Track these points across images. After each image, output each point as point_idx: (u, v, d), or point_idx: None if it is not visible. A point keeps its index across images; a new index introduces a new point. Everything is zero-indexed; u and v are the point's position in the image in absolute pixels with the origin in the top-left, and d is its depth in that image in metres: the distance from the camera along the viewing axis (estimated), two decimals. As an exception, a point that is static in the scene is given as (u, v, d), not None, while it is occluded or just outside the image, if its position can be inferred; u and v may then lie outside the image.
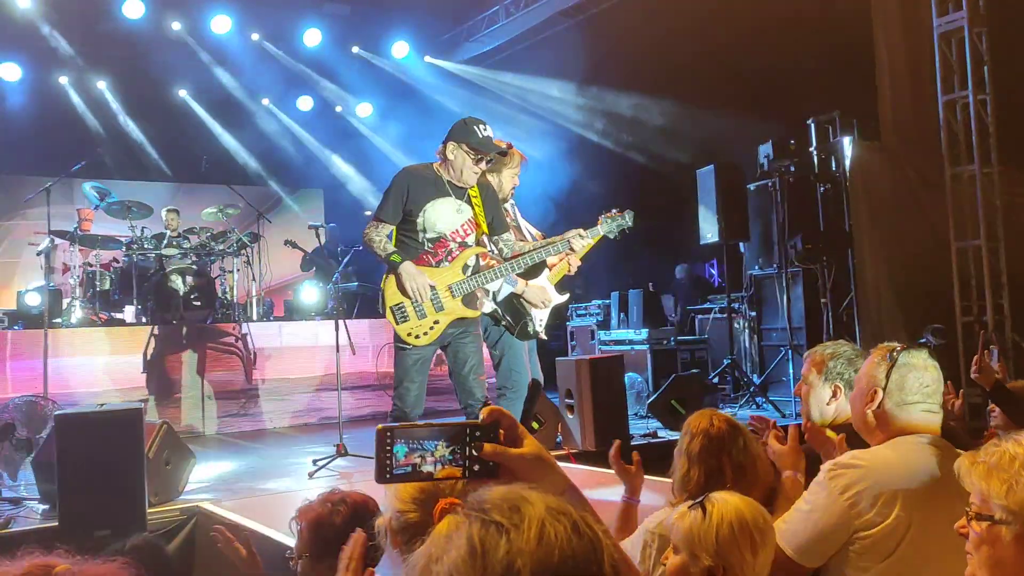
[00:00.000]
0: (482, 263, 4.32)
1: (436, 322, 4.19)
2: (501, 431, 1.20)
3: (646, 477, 2.78)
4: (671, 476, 2.40)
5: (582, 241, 4.30)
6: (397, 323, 4.18)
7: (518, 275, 4.56)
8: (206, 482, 5.21)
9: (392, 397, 4.36)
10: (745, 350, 8.01)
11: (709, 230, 7.39)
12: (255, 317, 8.76)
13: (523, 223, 4.95)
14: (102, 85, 11.03)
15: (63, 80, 10.75)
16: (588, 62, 9.83)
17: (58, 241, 8.09)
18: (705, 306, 9.01)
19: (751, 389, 7.20)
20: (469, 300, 4.28)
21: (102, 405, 4.48)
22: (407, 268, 4.12)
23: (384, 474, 1.16)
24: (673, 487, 2.34)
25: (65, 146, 10.34)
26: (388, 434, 1.16)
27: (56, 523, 4.01)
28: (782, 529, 2.05)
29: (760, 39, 8.15)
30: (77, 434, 4.05)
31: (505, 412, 1.22)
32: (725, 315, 7.81)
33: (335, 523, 2.09)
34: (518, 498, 0.92)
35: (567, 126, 10.28)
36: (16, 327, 7.51)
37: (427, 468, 1.16)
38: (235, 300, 8.78)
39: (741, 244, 8.19)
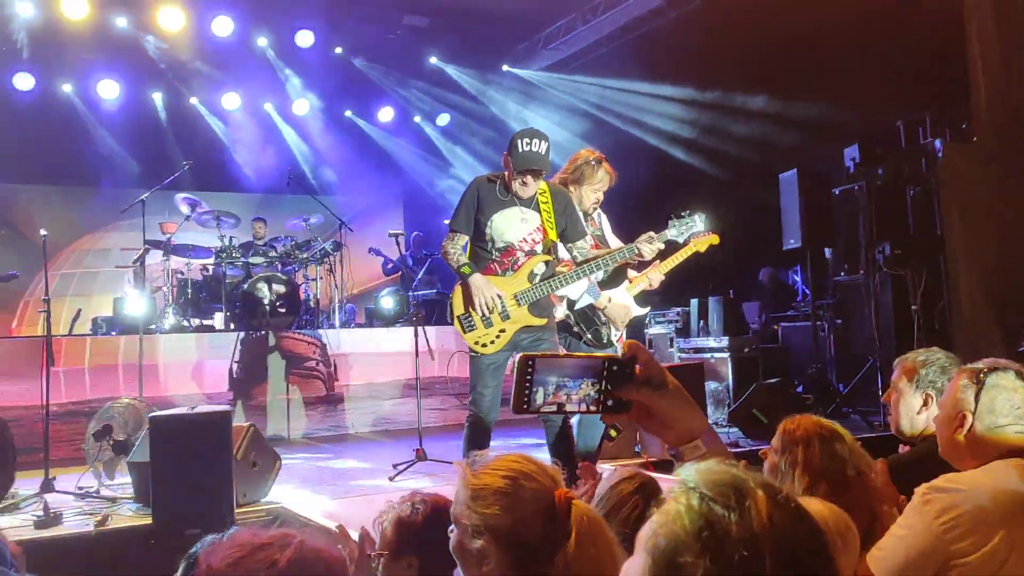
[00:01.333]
0: (550, 270, 4.33)
1: (502, 330, 4.23)
2: (637, 367, 1.18)
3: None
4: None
5: (650, 246, 4.26)
6: (464, 332, 4.26)
7: (600, 285, 4.56)
8: (291, 484, 5.34)
9: (469, 403, 4.41)
10: (830, 359, 7.78)
11: (792, 235, 7.21)
12: (337, 324, 8.96)
13: (610, 236, 4.92)
14: (194, 100, 11.46)
15: (156, 96, 11.21)
16: (667, 67, 9.74)
17: (151, 251, 8.46)
18: (788, 313, 8.79)
19: (836, 399, 7.00)
20: (537, 308, 4.29)
21: (193, 408, 4.64)
22: (476, 280, 4.18)
23: (522, 405, 1.15)
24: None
25: (156, 161, 10.81)
26: (529, 364, 1.15)
27: (150, 521, 4.17)
28: (876, 556, 1.98)
29: (845, 39, 7.93)
30: (170, 436, 4.20)
31: (642, 347, 1.20)
32: (809, 323, 7.62)
33: (416, 522, 2.14)
34: (736, 479, 0.91)
35: (645, 131, 10.20)
36: (112, 332, 7.85)
37: (570, 407, 1.15)
38: (318, 307, 9.01)
39: (826, 250, 7.98)
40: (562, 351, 4.50)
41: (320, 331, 8.38)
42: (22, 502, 4.76)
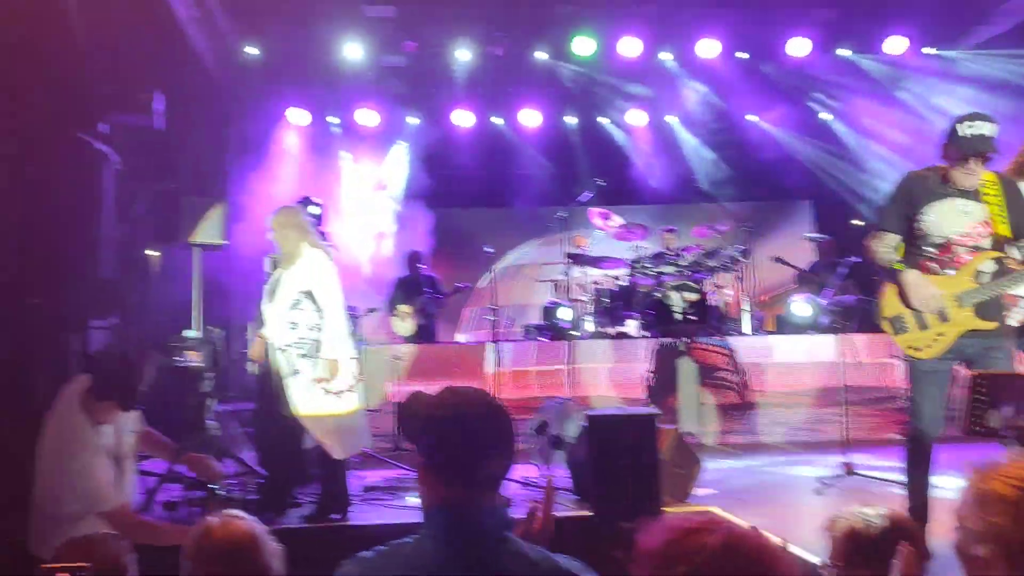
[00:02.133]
0: (1001, 268, 3.82)
1: (940, 334, 3.83)
2: None
3: None
4: None
5: None
6: (895, 334, 3.96)
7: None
8: (711, 489, 5.37)
9: (908, 414, 4.06)
10: None
11: None
12: (747, 331, 8.85)
13: None
14: (603, 120, 12.16)
15: (569, 119, 12.09)
16: None
17: (570, 263, 9.16)
18: None
19: None
20: (985, 310, 3.81)
21: (623, 410, 4.89)
22: (909, 277, 3.85)
23: (972, 426, 1.08)
24: None
25: (571, 179, 11.65)
26: (981, 383, 1.07)
27: (590, 512, 4.48)
28: None
29: None
30: (605, 433, 4.48)
31: None
32: None
33: (870, 535, 2.04)
34: None
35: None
36: (542, 338, 8.61)
37: None
38: (728, 315, 8.99)
39: None
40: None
41: (729, 339, 8.34)
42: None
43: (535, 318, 9.76)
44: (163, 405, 4.41)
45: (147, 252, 7.15)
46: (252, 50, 10.19)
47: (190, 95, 7.01)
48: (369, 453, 6.79)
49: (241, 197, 9.49)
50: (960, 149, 3.77)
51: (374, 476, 6.19)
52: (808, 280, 9.87)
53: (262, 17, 9.87)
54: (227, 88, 10.16)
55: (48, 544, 3.32)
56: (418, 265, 9.40)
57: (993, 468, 1.68)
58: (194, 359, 4.40)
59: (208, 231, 6.16)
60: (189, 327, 4.63)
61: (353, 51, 10.36)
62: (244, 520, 2.18)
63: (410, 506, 5.13)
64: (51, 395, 3.52)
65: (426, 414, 1.85)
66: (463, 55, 10.70)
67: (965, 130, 3.76)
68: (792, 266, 9.85)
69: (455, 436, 1.81)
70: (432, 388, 7.82)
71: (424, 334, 9.27)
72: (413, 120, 11.74)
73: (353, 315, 7.57)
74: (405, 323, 9.30)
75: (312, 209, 7.73)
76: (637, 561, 1.44)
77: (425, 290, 9.33)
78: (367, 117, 11.38)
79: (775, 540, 2.14)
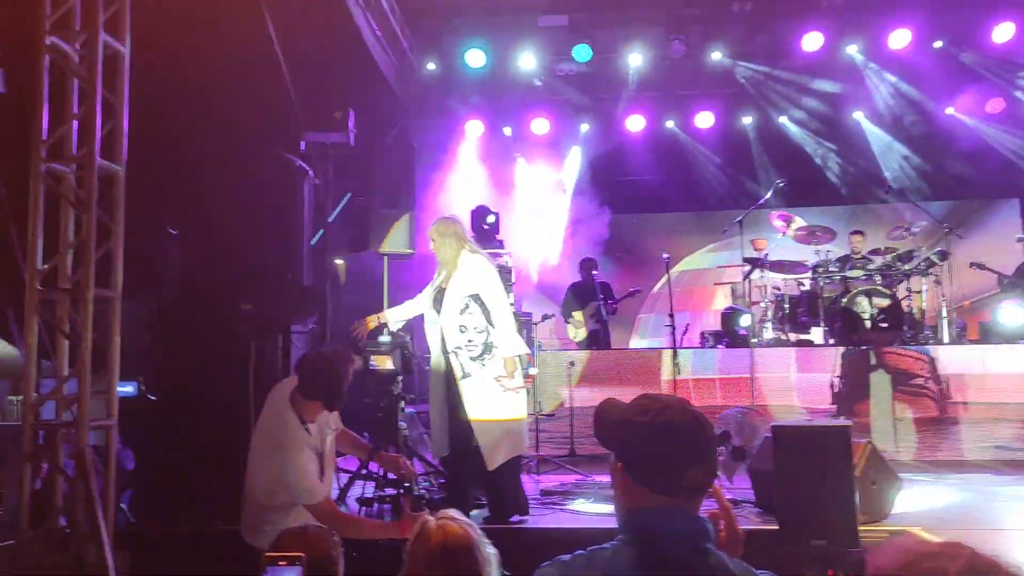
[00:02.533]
0: None
1: None
2: None
3: None
4: None
5: None
6: None
7: None
8: (912, 508, 5.03)
9: None
10: None
11: None
12: (946, 340, 8.22)
13: None
14: (783, 119, 11.70)
15: (746, 120, 11.72)
16: None
17: (750, 268, 8.86)
18: None
19: None
20: None
21: (811, 421, 4.68)
22: None
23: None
24: None
25: (750, 181, 11.30)
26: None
27: (776, 527, 4.31)
28: None
29: None
30: (793, 445, 4.30)
31: None
32: None
33: None
34: None
35: None
36: (721, 345, 8.39)
37: None
38: (924, 322, 8.39)
39: None
40: None
41: (927, 347, 7.78)
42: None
43: (713, 325, 9.52)
44: (358, 406, 4.66)
45: (337, 261, 7.61)
46: (431, 65, 10.61)
47: (376, 111, 7.38)
48: (545, 457, 6.88)
49: (426, 207, 9.90)
50: None
51: (549, 480, 6.25)
52: (1015, 285, 9.05)
53: (440, 34, 10.27)
54: (409, 103, 10.62)
55: (258, 532, 3.59)
56: (592, 272, 9.42)
57: None
58: (387, 363, 4.61)
59: (396, 240, 6.46)
60: (381, 332, 4.85)
61: (527, 61, 10.56)
62: (461, 522, 2.26)
63: (579, 512, 5.13)
64: (261, 394, 3.80)
65: (626, 419, 1.82)
66: (635, 59, 10.65)
67: None
68: (993, 271, 9.06)
69: (660, 443, 1.77)
70: (607, 394, 7.79)
71: (597, 340, 9.27)
72: (585, 126, 11.77)
73: (527, 321, 7.70)
74: (579, 330, 9.34)
75: (488, 218, 7.98)
76: None
77: (599, 296, 9.33)
78: (540, 125, 11.54)
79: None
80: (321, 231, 6.16)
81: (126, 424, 4.43)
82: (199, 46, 4.89)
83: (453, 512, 2.30)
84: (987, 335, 8.60)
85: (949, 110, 11.19)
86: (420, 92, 10.79)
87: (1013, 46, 9.90)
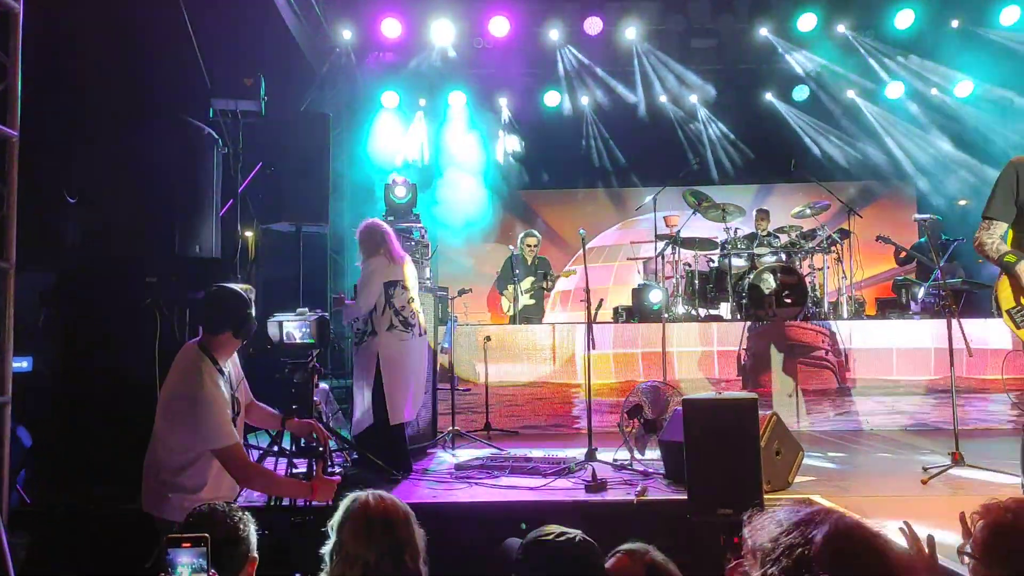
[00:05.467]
0: None
1: (1066, 325, 3.64)
2: None
3: None
4: None
5: None
6: (1017, 327, 3.80)
7: None
8: (811, 476, 5.25)
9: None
10: None
11: None
12: (845, 315, 8.57)
13: None
14: (694, 99, 11.90)
15: (663, 99, 11.87)
16: None
17: (661, 244, 9.02)
18: None
19: None
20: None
21: (720, 393, 4.81)
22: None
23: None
24: None
25: (664, 159, 11.47)
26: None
27: (684, 497, 4.43)
28: None
29: None
30: (701, 418, 4.42)
31: None
32: None
33: (1020, 528, 1.90)
34: None
35: None
36: (632, 320, 8.53)
37: None
38: (825, 298, 8.73)
39: None
40: None
41: (828, 322, 8.11)
42: (575, 467, 5.42)
43: (625, 300, 9.67)
44: (272, 382, 4.56)
45: (247, 232, 7.40)
46: (347, 34, 10.37)
47: (290, 80, 7.19)
48: (460, 431, 6.91)
49: (341, 178, 9.69)
50: None
51: (464, 454, 6.28)
52: (912, 261, 9.50)
53: (356, 2, 10.04)
54: (325, 72, 10.38)
55: (161, 500, 3.43)
56: (530, 245, 9.49)
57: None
58: (303, 336, 4.52)
59: (308, 212, 6.31)
60: (298, 304, 4.75)
61: (444, 32, 10.44)
62: (392, 497, 2.26)
63: (495, 485, 5.17)
64: (165, 370, 3.66)
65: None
66: (554, 34, 10.66)
67: None
68: (897, 245, 9.48)
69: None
70: (523, 369, 7.92)
71: (532, 314, 9.35)
72: (503, 100, 11.72)
73: (443, 296, 7.66)
74: (513, 303, 9.40)
75: (397, 191, 7.90)
76: (744, 554, 1.43)
77: (537, 270, 9.42)
78: (457, 98, 11.43)
79: (890, 531, 2.07)
80: (231, 201, 5.96)
81: (21, 401, 4.22)
82: (99, 5, 4.65)
83: (381, 492, 2.31)
84: (884, 310, 9.02)
85: (850, 93, 11.59)
86: (335, 61, 10.55)
87: (913, 32, 10.29)
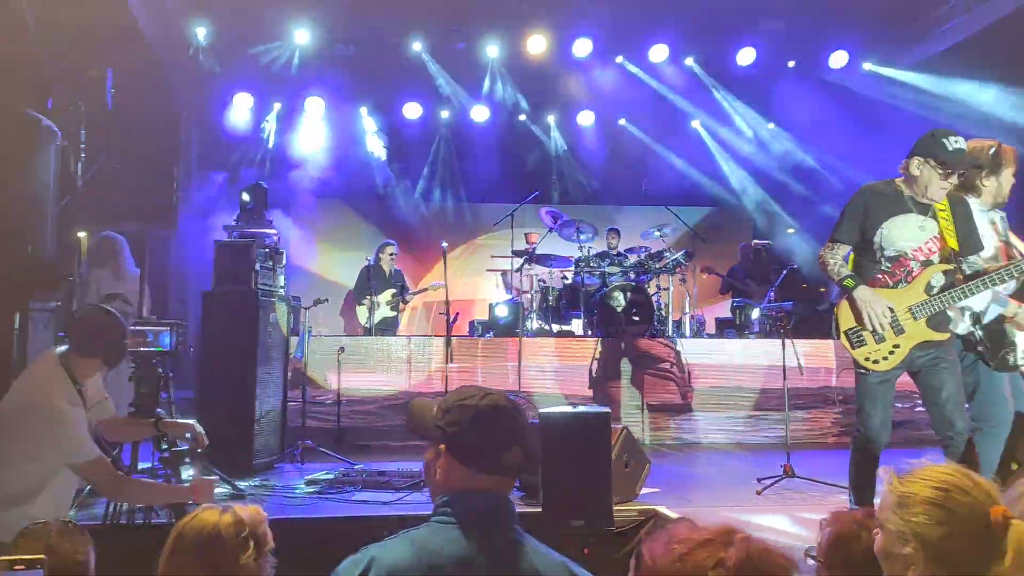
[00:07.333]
0: (950, 281, 3.97)
1: (896, 346, 3.96)
2: None
3: None
4: None
5: None
6: (853, 348, 4.04)
7: (1012, 296, 4.11)
8: (657, 487, 5.46)
9: (855, 423, 4.19)
10: None
11: None
12: (688, 332, 9.01)
13: (1014, 238, 4.42)
14: (551, 120, 12.21)
15: (522, 118, 12.09)
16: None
17: (518, 260, 9.20)
18: None
19: None
20: (936, 321, 3.96)
21: (576, 407, 4.93)
22: (862, 293, 3.96)
23: None
24: None
25: (523, 177, 11.69)
26: None
27: (538, 509, 4.50)
28: None
29: None
30: (556, 431, 4.51)
31: None
32: None
33: (860, 538, 2.03)
34: None
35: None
36: (488, 335, 8.62)
37: None
38: (670, 317, 9.14)
39: None
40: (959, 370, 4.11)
41: (673, 338, 8.50)
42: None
43: (483, 314, 9.76)
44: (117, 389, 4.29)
45: (80, 233, 6.94)
46: (200, 31, 9.96)
47: (138, 75, 6.82)
48: (310, 446, 6.72)
49: (189, 178, 9.26)
50: (947, 164, 3.85)
51: (315, 468, 6.12)
52: (731, 288, 10.14)
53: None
54: (176, 69, 9.91)
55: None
56: (390, 255, 9.38)
57: (912, 472, 1.79)
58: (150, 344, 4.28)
59: (151, 212, 6.01)
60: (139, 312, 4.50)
61: (301, 36, 10.22)
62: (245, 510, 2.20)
63: (351, 501, 5.08)
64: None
65: (453, 405, 1.93)
66: (416, 46, 10.64)
67: (952, 144, 3.86)
68: (718, 275, 10.07)
69: (484, 425, 1.89)
70: (378, 380, 7.82)
71: (389, 326, 9.23)
72: (364, 109, 11.60)
73: (296, 306, 7.47)
74: (371, 315, 9.26)
75: (244, 196, 7.62)
76: (644, 574, 1.39)
77: (395, 282, 9.33)
78: (314, 104, 11.20)
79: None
80: (67, 198, 5.58)
81: None
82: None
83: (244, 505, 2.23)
84: (724, 330, 9.55)
85: (694, 123, 12.25)
86: (187, 59, 10.10)
87: (754, 69, 10.98)
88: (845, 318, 4.07)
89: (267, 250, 6.72)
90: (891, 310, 3.95)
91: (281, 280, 6.83)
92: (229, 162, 10.69)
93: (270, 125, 11.23)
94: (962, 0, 9.40)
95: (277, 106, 11.26)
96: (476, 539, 1.79)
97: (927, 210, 4.00)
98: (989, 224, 4.27)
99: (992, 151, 4.26)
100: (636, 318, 8.51)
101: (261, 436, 6.10)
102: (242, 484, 5.38)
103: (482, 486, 1.87)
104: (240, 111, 10.95)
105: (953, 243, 3.98)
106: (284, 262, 6.79)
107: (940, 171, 3.87)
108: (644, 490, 5.23)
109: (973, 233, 4.04)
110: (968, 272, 3.97)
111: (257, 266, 6.28)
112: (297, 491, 5.36)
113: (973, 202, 4.18)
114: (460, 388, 2.01)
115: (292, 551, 2.72)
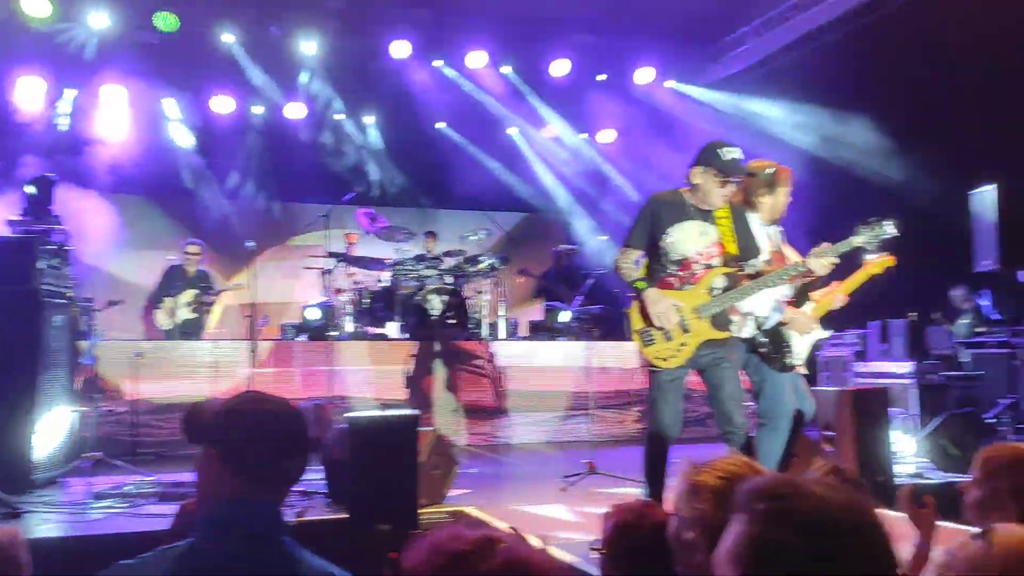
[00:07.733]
0: (731, 283, 4.30)
1: (683, 344, 4.23)
2: None
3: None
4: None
5: (820, 260, 4.15)
6: (644, 346, 4.29)
7: (788, 303, 4.50)
8: (465, 489, 5.53)
9: (648, 418, 4.43)
10: (1025, 389, 7.24)
11: (986, 256, 6.80)
12: (502, 335, 9.18)
13: (788, 249, 4.84)
14: (369, 120, 12.08)
15: (339, 117, 11.86)
16: (842, 84, 9.35)
17: (333, 261, 9.02)
18: (976, 340, 8.26)
19: (1034, 433, 6.52)
20: (719, 321, 4.27)
21: (385, 410, 4.90)
22: (650, 294, 4.22)
23: None
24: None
25: (339, 177, 11.46)
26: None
27: (346, 515, 4.44)
28: None
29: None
30: (365, 435, 4.47)
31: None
32: (1002, 350, 7.13)
33: (641, 527, 2.14)
34: None
35: (816, 152, 9.72)
36: (300, 338, 8.39)
37: None
38: (486, 319, 9.27)
39: (1019, 272, 7.47)
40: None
41: (488, 341, 8.63)
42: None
43: (295, 317, 9.49)
44: None
45: None
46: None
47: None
48: (102, 458, 6.27)
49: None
50: (724, 172, 4.17)
51: (106, 481, 5.73)
52: (544, 292, 10.46)
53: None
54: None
55: None
56: (195, 255, 8.89)
57: (704, 463, 1.91)
58: None
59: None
60: None
61: (100, 20, 9.54)
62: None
63: (146, 514, 4.80)
64: None
65: (229, 409, 1.84)
66: (228, 37, 10.18)
67: (727, 154, 4.18)
68: (533, 276, 10.36)
69: (262, 432, 1.81)
70: (177, 387, 7.41)
71: (192, 329, 8.75)
72: (171, 101, 10.96)
73: (87, 307, 6.96)
74: (170, 318, 8.72)
75: (28, 188, 7.02)
76: None
77: (199, 283, 8.84)
78: (115, 93, 10.47)
79: (558, 554, 2.22)
80: None
81: None
82: None
83: None
84: (537, 332, 9.80)
85: (512, 130, 12.52)
86: None
87: (567, 81, 11.36)
88: (636, 319, 4.31)
89: (54, 247, 6.22)
90: (678, 309, 4.21)
91: (70, 280, 6.33)
92: (13, 147, 9.77)
93: (63, 110, 10.37)
94: (754, 25, 10.16)
95: (68, 94, 10.41)
96: (242, 553, 1.70)
97: (709, 217, 4.31)
98: (766, 237, 4.65)
99: (770, 171, 4.65)
100: (451, 321, 8.57)
101: (43, 448, 5.64)
102: (19, 501, 4.95)
103: (254, 496, 1.77)
104: (28, 93, 10.04)
105: (733, 248, 4.31)
106: (71, 261, 6.31)
107: (718, 179, 4.19)
108: (454, 492, 5.28)
109: (751, 239, 4.39)
110: (749, 274, 4.32)
111: (42, 264, 5.81)
112: (83, 507, 4.99)
113: (752, 217, 4.55)
114: (241, 393, 1.93)
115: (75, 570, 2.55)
